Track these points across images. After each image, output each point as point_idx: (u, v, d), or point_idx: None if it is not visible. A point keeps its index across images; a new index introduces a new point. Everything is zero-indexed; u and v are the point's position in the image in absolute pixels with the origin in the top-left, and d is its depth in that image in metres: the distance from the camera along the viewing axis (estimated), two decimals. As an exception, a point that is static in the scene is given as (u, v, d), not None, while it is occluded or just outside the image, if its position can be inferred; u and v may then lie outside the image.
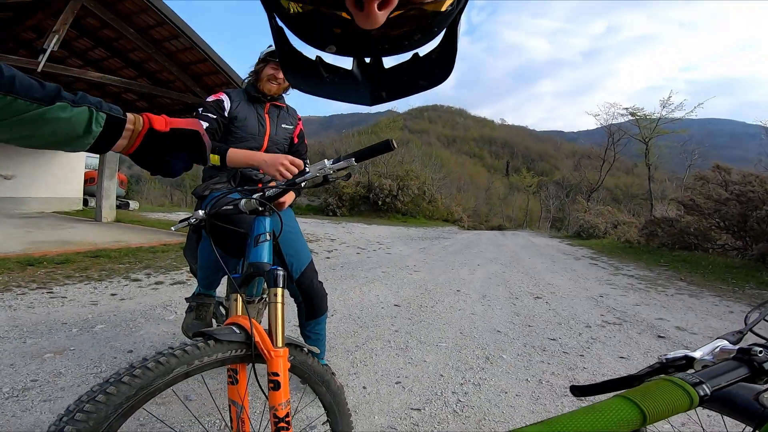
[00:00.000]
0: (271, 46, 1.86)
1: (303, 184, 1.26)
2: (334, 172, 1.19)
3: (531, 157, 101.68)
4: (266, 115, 1.94)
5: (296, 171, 1.53)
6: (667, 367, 0.39)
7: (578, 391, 0.41)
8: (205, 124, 1.81)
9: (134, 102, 8.76)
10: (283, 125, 1.99)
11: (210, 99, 1.87)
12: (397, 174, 22.02)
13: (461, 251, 8.84)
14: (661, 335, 3.36)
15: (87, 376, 2.03)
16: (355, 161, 1.19)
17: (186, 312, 2.02)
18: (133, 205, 14.74)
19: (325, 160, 1.20)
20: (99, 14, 5.71)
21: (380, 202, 20.43)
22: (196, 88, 6.94)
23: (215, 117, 1.82)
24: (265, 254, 1.21)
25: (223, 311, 2.22)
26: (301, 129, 2.11)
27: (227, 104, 1.85)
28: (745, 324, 0.54)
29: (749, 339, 0.48)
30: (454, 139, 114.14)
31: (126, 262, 4.80)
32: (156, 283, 4.03)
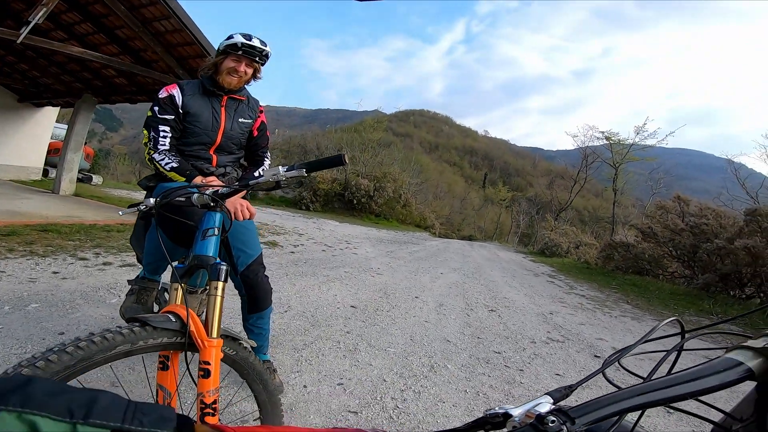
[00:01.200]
0: (231, 37, 1.82)
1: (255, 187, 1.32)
2: (286, 179, 1.25)
3: (509, 171, 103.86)
4: (222, 109, 1.90)
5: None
6: (486, 423, 0.38)
7: None
8: (166, 129, 1.79)
9: (113, 78, 8.48)
10: (240, 119, 1.95)
11: (162, 95, 1.82)
12: (374, 175, 22.07)
13: (427, 258, 8.97)
14: (597, 355, 3.55)
15: (10, 356, 1.96)
16: (306, 172, 1.25)
17: (127, 294, 1.99)
18: (97, 179, 14.13)
19: (279, 167, 1.26)
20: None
21: (355, 201, 20.41)
22: (179, 70, 6.78)
23: (173, 117, 1.81)
24: (211, 248, 1.26)
25: (167, 297, 2.20)
26: (262, 121, 2.08)
27: (179, 99, 1.82)
28: (603, 374, 0.53)
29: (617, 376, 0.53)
30: (437, 146, 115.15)
31: (76, 239, 4.62)
32: (104, 264, 3.91)
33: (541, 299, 6.05)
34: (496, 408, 0.38)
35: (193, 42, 6.15)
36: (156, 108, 1.80)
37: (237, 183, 1.45)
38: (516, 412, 0.38)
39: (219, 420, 1.07)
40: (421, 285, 5.49)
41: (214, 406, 1.03)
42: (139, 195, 11.96)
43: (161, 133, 1.79)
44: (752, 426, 0.43)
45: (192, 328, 1.03)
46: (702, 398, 0.48)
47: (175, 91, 1.83)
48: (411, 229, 22.46)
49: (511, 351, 3.32)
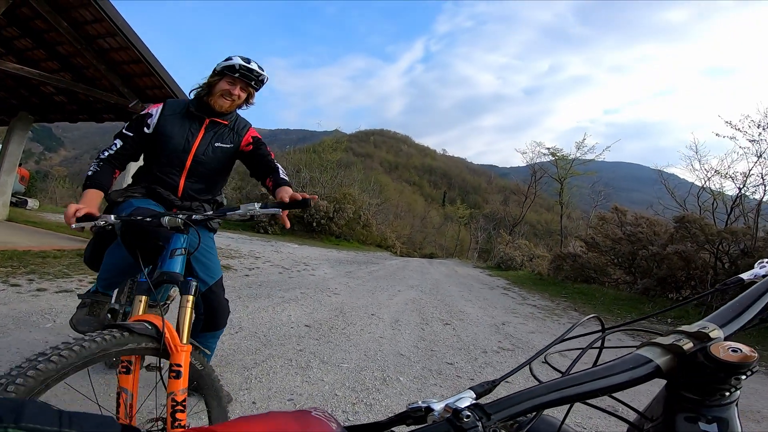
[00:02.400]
0: (230, 59, 1.80)
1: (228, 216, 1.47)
2: (261, 214, 1.41)
3: (466, 189, 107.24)
4: (201, 132, 1.86)
5: (70, 222, 1.46)
6: (408, 417, 0.38)
7: None
8: (118, 142, 1.79)
9: (52, 95, 8.05)
10: (217, 143, 1.89)
11: (143, 112, 1.86)
12: (334, 196, 22.06)
13: (386, 277, 9.03)
14: (545, 361, 3.71)
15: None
16: (281, 210, 1.45)
17: (78, 307, 1.94)
18: (32, 203, 13.11)
19: (256, 204, 1.40)
20: (35, 5, 5.30)
21: (315, 224, 20.24)
22: (125, 89, 6.56)
23: (132, 135, 1.83)
24: (178, 266, 1.38)
25: (109, 316, 2.11)
26: (253, 136, 2.00)
27: (153, 118, 1.82)
28: (531, 372, 0.53)
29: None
30: (397, 166, 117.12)
31: (8, 265, 4.28)
32: (38, 290, 3.65)
33: (495, 311, 6.26)
34: (419, 402, 0.38)
35: (139, 60, 5.99)
36: (127, 123, 1.85)
37: (211, 212, 1.64)
38: (437, 406, 0.38)
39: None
40: (378, 303, 5.52)
41: (183, 403, 1.17)
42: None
43: (112, 146, 1.80)
44: (661, 425, 0.44)
45: (167, 335, 1.17)
46: (618, 396, 0.49)
47: (154, 110, 1.83)
48: (372, 249, 22.52)
49: (463, 362, 3.42)
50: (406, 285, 8.00)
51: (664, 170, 12.83)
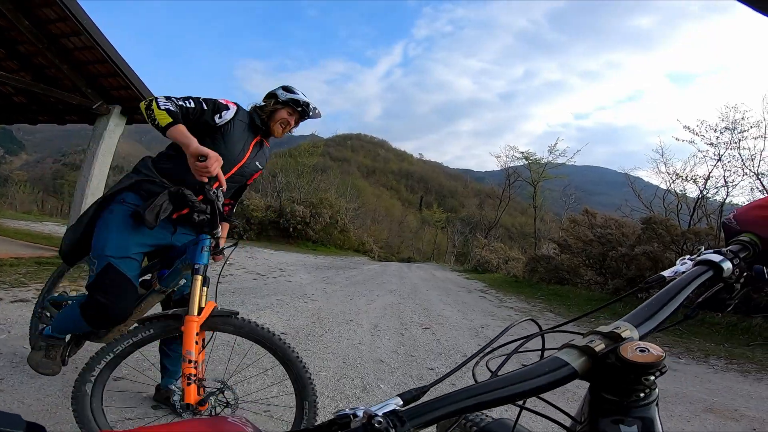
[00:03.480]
0: (293, 92, 1.96)
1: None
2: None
3: (443, 193, 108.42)
4: (251, 147, 1.94)
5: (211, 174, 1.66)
6: (334, 423, 0.38)
7: None
8: (190, 101, 1.76)
9: (12, 96, 7.61)
10: (256, 162, 2.01)
11: (220, 100, 1.86)
12: (311, 201, 21.81)
13: (364, 282, 8.95)
14: (525, 363, 3.73)
15: None
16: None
17: (33, 348, 1.93)
18: (-12, 212, 12.36)
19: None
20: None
21: (291, 229, 19.90)
22: (88, 90, 6.26)
23: (204, 109, 1.79)
24: (206, 260, 1.68)
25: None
26: (262, 170, 2.15)
27: (228, 114, 1.84)
28: (473, 375, 0.53)
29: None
30: (374, 170, 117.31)
31: (-42, 278, 3.99)
32: (-9, 302, 3.41)
33: (474, 314, 6.29)
34: (347, 409, 0.38)
35: (105, 60, 5.74)
36: (206, 98, 1.83)
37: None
38: (360, 413, 0.38)
39: None
40: (356, 308, 5.44)
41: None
42: (41, 226, 10.60)
43: (186, 100, 1.77)
44: (587, 428, 0.44)
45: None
46: (548, 399, 0.50)
47: (232, 107, 1.87)
48: (349, 254, 22.37)
49: (443, 366, 3.39)
50: (385, 290, 7.95)
51: (631, 173, 13.33)
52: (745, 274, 0.56)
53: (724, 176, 9.05)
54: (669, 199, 10.81)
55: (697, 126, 9.42)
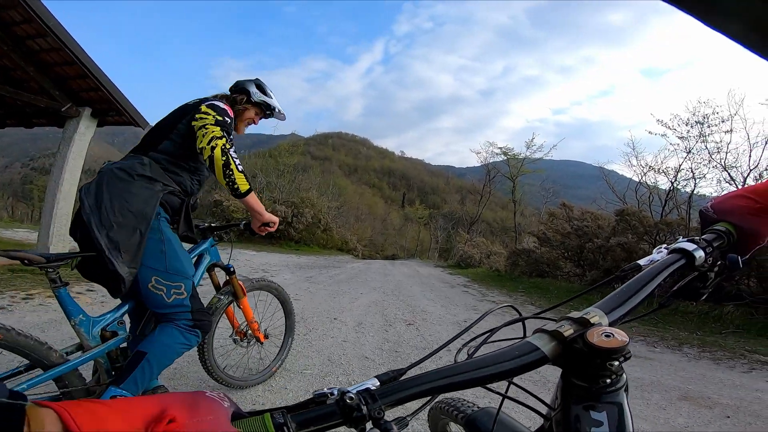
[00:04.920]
0: (268, 95, 2.03)
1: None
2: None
3: (425, 190, 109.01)
4: None
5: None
6: (312, 402, 0.38)
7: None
8: (239, 162, 1.75)
9: (-25, 99, 7.26)
10: None
11: (229, 113, 1.82)
12: (292, 200, 21.61)
13: (348, 280, 8.95)
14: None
15: None
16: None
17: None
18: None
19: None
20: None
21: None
22: (56, 92, 6.05)
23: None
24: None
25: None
26: None
27: (232, 125, 1.87)
28: (455, 360, 0.52)
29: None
30: (356, 169, 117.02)
31: None
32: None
33: (457, 309, 6.38)
34: (324, 389, 0.39)
35: (73, 62, 5.56)
36: (228, 119, 1.79)
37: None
38: (336, 392, 0.39)
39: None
40: (340, 307, 5.45)
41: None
42: (11, 233, 10.17)
43: (231, 138, 1.79)
44: (560, 414, 0.44)
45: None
46: (524, 386, 0.54)
47: (233, 118, 1.86)
48: (333, 253, 22.28)
49: (428, 361, 3.42)
50: (369, 287, 7.97)
51: (605, 167, 13.71)
52: (719, 263, 0.57)
53: (692, 168, 9.38)
54: (641, 191, 11.16)
55: (670, 120, 9.73)
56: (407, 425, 0.40)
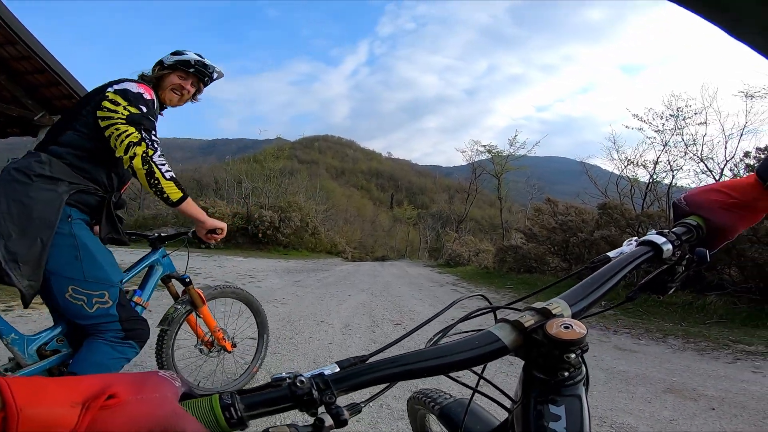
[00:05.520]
0: (182, 53, 1.77)
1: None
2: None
3: (413, 190, 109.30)
4: None
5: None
6: (269, 386, 0.38)
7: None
8: (168, 168, 1.57)
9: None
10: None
11: (146, 96, 1.59)
12: (279, 205, 21.44)
13: (336, 283, 8.92)
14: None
15: None
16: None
17: None
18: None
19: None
20: None
21: (260, 234, 19.49)
22: (28, 101, 5.92)
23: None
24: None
25: None
26: None
27: (155, 105, 1.66)
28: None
29: None
30: (343, 171, 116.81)
31: None
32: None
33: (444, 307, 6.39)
34: (283, 373, 0.38)
35: (44, 69, 5.46)
36: (143, 107, 1.57)
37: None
38: (292, 376, 0.38)
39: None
40: (327, 309, 5.42)
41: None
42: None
43: (154, 136, 1.58)
44: (521, 407, 0.43)
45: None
46: (486, 376, 0.53)
47: (154, 98, 1.65)
48: (322, 256, 22.18)
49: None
50: (357, 289, 7.95)
51: (587, 162, 13.91)
52: (687, 256, 0.56)
53: (669, 161, 9.61)
54: (622, 185, 11.36)
55: (645, 114, 9.94)
56: (360, 411, 0.40)
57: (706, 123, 8.73)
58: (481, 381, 0.55)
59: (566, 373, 0.41)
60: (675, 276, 0.57)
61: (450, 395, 0.87)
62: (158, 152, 1.56)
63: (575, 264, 10.37)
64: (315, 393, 0.36)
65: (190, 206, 1.68)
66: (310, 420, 0.36)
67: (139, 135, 1.51)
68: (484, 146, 24.75)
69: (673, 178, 9.58)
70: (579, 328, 0.39)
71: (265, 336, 2.76)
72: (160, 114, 1.81)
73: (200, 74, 1.82)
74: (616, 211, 9.00)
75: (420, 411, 1.00)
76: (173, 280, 2.14)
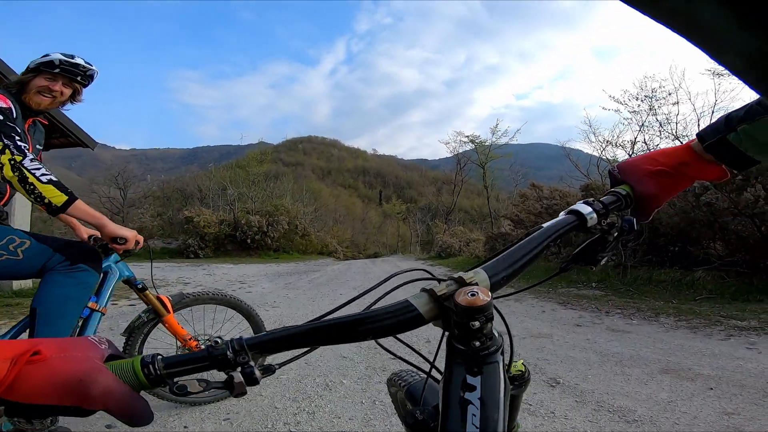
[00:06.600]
0: (47, 55, 1.68)
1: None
2: None
3: (401, 185, 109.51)
4: (27, 133, 1.68)
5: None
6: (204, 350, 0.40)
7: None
8: (43, 170, 1.44)
9: None
10: (37, 146, 1.77)
11: (3, 105, 1.51)
12: (265, 210, 21.25)
13: (328, 283, 8.88)
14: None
15: None
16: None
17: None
18: None
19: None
20: None
21: (249, 240, 19.32)
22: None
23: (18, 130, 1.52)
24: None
25: None
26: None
27: (13, 114, 1.53)
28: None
29: None
30: (329, 171, 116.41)
31: None
32: None
33: (437, 298, 6.40)
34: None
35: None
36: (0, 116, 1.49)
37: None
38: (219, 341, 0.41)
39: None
40: (318, 310, 5.39)
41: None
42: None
43: (19, 141, 1.46)
44: (444, 377, 0.43)
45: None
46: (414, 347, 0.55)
47: (11, 105, 1.54)
48: (313, 258, 22.09)
49: (407, 355, 3.43)
50: (348, 287, 7.92)
51: (568, 146, 14.07)
52: (616, 225, 0.56)
53: (645, 140, 9.78)
54: (603, 166, 11.51)
55: (621, 95, 10.11)
56: (274, 372, 0.42)
57: (677, 103, 8.94)
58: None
59: (477, 343, 0.40)
60: (606, 246, 0.56)
61: (420, 375, 0.87)
62: (29, 157, 1.44)
63: (564, 247, 10.50)
64: (230, 354, 0.38)
65: (81, 210, 1.51)
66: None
67: (0, 143, 1.44)
68: (467, 137, 24.94)
69: (652, 156, 9.73)
70: (483, 295, 0.39)
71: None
72: (41, 120, 1.78)
73: (70, 74, 1.71)
74: (599, 192, 9.12)
75: (396, 392, 1.00)
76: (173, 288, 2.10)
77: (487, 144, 23.56)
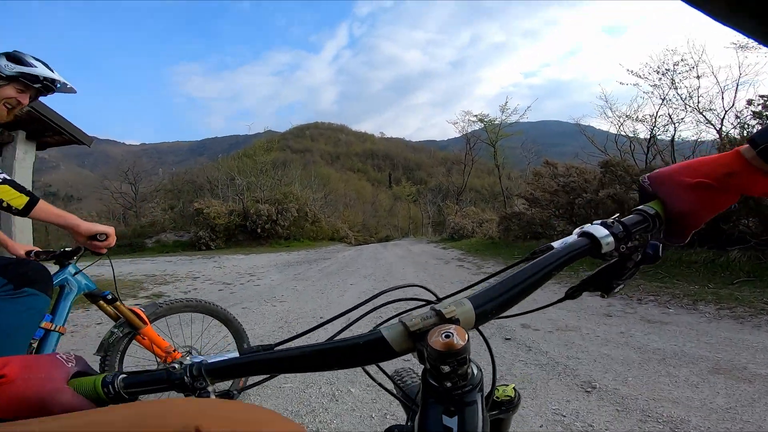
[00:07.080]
0: (26, 63, 1.46)
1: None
2: None
3: (410, 167, 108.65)
4: None
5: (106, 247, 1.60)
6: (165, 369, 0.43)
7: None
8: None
9: None
10: None
11: None
12: (274, 198, 21.09)
13: (338, 272, 8.67)
14: (508, 337, 3.43)
15: None
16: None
17: None
18: None
19: None
20: None
21: (259, 230, 19.23)
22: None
23: None
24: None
25: None
26: None
27: None
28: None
29: None
30: (338, 156, 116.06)
31: None
32: None
33: (452, 287, 6.12)
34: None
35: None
36: None
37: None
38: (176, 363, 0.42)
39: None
40: (327, 303, 5.16)
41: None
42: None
43: None
44: (419, 415, 0.38)
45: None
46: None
47: None
48: (324, 244, 21.97)
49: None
50: (359, 276, 7.70)
51: (581, 122, 13.53)
52: (639, 249, 0.47)
53: (669, 114, 9.29)
54: (621, 141, 10.97)
55: (640, 69, 9.66)
56: (232, 398, 0.40)
57: (698, 77, 8.57)
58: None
59: (449, 384, 0.36)
60: (623, 273, 0.48)
61: (417, 374, 0.84)
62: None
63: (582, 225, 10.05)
64: (187, 379, 0.40)
65: (45, 212, 1.40)
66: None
67: None
68: (476, 116, 24.22)
69: (675, 130, 9.25)
70: (458, 339, 0.34)
71: (245, 346, 2.46)
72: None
73: (45, 89, 1.52)
74: (619, 168, 8.62)
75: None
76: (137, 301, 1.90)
77: (496, 123, 22.85)
